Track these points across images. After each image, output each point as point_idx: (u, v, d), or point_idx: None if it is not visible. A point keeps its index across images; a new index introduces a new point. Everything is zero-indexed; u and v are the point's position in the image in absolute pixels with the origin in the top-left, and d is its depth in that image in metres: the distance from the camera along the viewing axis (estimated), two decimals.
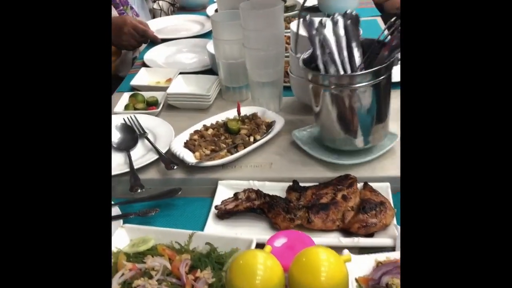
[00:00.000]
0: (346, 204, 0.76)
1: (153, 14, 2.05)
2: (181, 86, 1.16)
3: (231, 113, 1.03)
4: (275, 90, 1.05)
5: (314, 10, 1.75)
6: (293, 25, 1.01)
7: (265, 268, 0.57)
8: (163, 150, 0.92)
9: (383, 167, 0.86)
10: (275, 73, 1.02)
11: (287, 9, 1.72)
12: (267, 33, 0.96)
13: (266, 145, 0.94)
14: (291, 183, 0.81)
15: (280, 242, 0.68)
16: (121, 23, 1.46)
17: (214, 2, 1.72)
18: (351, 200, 0.76)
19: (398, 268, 0.62)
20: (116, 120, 1.01)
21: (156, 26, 1.71)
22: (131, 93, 1.14)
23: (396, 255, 0.66)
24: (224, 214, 0.78)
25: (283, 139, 0.96)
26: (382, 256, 0.66)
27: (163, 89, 1.15)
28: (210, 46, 1.22)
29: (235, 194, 0.80)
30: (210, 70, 1.28)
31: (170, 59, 1.41)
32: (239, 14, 0.98)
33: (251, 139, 0.93)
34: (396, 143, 0.89)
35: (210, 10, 1.80)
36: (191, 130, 0.96)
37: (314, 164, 0.88)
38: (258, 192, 0.79)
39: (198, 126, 0.98)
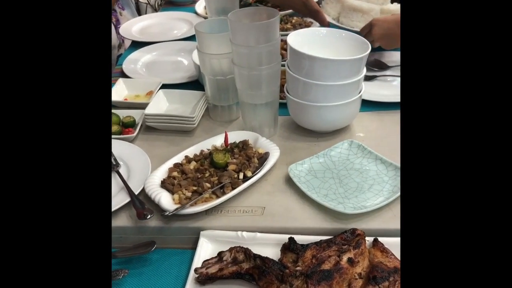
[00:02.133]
0: (353, 270, 0.62)
1: (139, 9, 1.89)
2: (162, 103, 1.02)
3: (219, 139, 0.89)
4: (270, 113, 0.91)
5: None
6: (290, 38, 0.86)
7: None
8: (137, 188, 0.78)
9: (395, 215, 0.72)
10: (270, 94, 0.88)
11: None
12: (260, 49, 0.81)
13: (258, 183, 0.80)
14: (286, 238, 0.67)
15: None
16: None
17: None
18: (359, 265, 0.63)
19: None
20: None
21: (140, 25, 1.55)
22: None
23: None
24: (205, 280, 0.64)
25: (279, 173, 0.82)
26: None
27: (143, 105, 1.01)
28: (196, 55, 1.08)
29: (219, 254, 0.66)
30: (197, 81, 1.14)
31: (153, 66, 1.27)
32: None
33: (241, 175, 0.79)
34: None
35: (199, 5, 1.66)
36: (171, 163, 0.83)
37: (314, 209, 0.74)
38: (247, 252, 0.65)
39: (179, 158, 0.84)
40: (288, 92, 0.91)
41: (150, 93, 1.09)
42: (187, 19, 1.58)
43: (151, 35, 1.47)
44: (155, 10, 1.89)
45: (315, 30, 0.94)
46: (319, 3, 1.40)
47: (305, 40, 0.89)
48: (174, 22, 1.57)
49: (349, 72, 0.84)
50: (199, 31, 0.90)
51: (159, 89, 1.06)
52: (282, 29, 1.38)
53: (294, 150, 0.88)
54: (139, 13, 1.88)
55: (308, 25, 1.42)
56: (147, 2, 1.91)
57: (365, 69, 0.88)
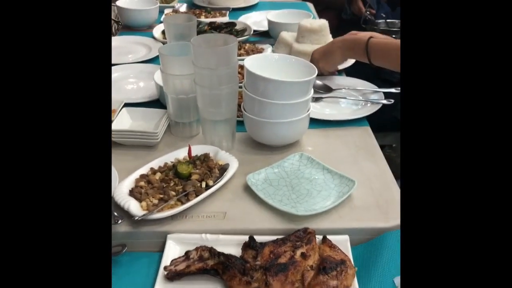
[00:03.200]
0: (305, 263, 0.71)
1: None
2: (126, 121, 1.08)
3: (182, 153, 0.96)
4: (228, 128, 1.00)
5: (264, 35, 1.73)
6: (247, 62, 0.96)
7: None
8: None
9: (341, 216, 0.82)
10: (228, 112, 0.97)
11: (238, 33, 1.68)
12: (220, 71, 0.90)
13: (220, 191, 0.88)
14: (246, 238, 0.76)
15: None
16: None
17: (161, 22, 1.65)
18: (310, 258, 0.72)
19: None
20: None
21: None
22: None
23: None
24: (174, 276, 0.71)
25: (238, 182, 0.91)
26: None
27: None
28: (158, 76, 1.16)
29: (186, 253, 0.73)
30: (157, 100, 1.21)
31: (114, 87, 1.32)
32: (190, 46, 0.92)
33: (203, 184, 0.87)
34: (354, 190, 0.86)
35: (157, 30, 1.73)
36: (137, 174, 0.89)
37: (271, 213, 0.83)
38: (212, 251, 0.73)
39: (145, 170, 0.91)
40: (245, 110, 1.00)
41: (113, 112, 1.15)
42: (145, 43, 1.65)
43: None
44: (113, 34, 1.95)
45: (269, 55, 1.05)
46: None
47: (260, 64, 0.99)
48: (132, 46, 1.64)
49: (298, 92, 0.94)
50: (163, 54, 0.98)
51: (122, 108, 1.12)
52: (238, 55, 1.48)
53: (251, 162, 0.97)
54: None
55: (260, 51, 1.53)
56: None
57: (312, 90, 0.99)
